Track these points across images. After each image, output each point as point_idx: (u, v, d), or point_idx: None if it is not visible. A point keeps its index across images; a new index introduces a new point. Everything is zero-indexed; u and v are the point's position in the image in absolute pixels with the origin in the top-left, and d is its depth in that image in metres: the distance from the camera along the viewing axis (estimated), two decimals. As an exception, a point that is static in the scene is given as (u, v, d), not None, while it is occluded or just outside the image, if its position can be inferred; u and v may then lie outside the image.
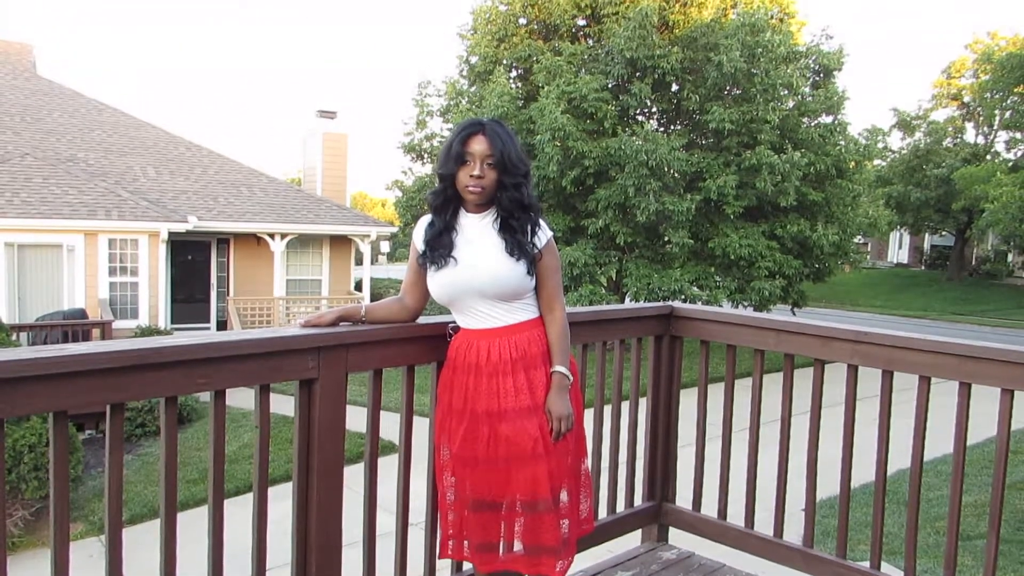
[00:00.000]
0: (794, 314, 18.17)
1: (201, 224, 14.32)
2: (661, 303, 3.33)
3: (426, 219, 2.34)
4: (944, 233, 34.82)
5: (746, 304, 14.75)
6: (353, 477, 2.23)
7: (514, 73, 16.41)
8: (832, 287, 18.25)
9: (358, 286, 17.15)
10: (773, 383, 3.07)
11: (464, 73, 17.03)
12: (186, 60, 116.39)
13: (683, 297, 13.98)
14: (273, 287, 15.68)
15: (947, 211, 29.65)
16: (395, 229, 17.55)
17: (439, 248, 2.25)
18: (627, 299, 16.21)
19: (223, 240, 16.25)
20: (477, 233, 2.26)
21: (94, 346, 1.71)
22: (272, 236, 15.45)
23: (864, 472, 2.93)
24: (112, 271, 13.23)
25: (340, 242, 16.79)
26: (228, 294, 16.03)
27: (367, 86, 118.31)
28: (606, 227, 13.77)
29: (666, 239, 13.96)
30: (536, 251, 2.24)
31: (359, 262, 16.99)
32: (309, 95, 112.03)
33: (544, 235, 2.27)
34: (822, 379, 2.86)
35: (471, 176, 2.18)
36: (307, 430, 2.12)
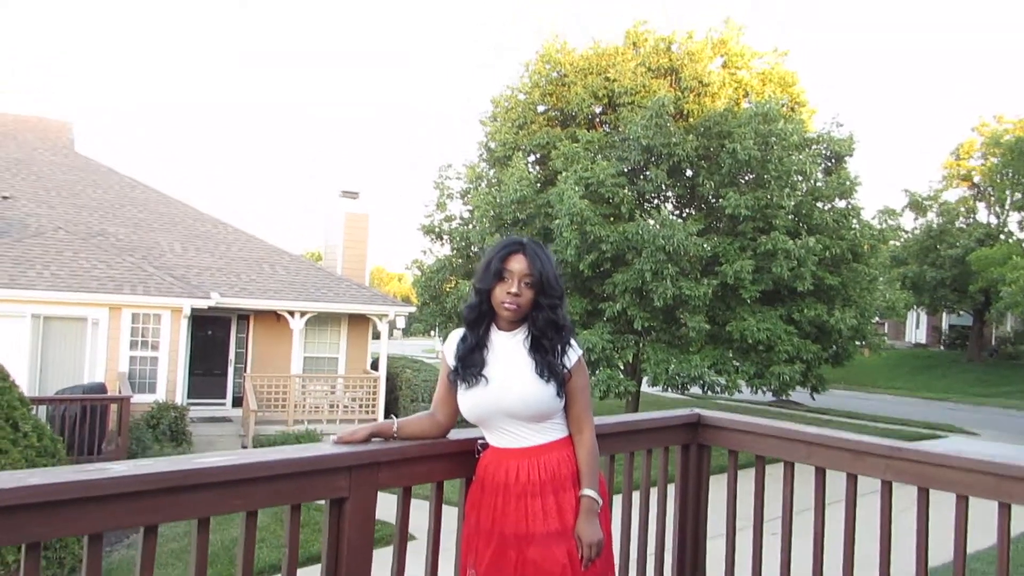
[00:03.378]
0: (813, 399, 17.91)
1: (223, 300, 14.49)
2: (687, 411, 3.30)
3: (458, 333, 2.37)
4: (962, 313, 34.54)
5: (765, 389, 14.58)
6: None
7: (532, 158, 16.77)
8: (852, 369, 18.05)
9: (374, 364, 17.14)
10: (804, 483, 3.00)
11: (484, 157, 17.43)
12: (212, 136, 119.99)
13: (702, 383, 13.84)
14: (291, 364, 15.71)
15: (964, 291, 29.52)
16: (413, 309, 17.64)
17: (470, 366, 2.27)
18: (644, 383, 16.09)
19: (243, 316, 16.40)
20: (508, 351, 2.28)
21: (133, 468, 1.73)
22: (292, 314, 15.58)
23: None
24: (133, 345, 13.34)
25: (358, 320, 16.89)
26: (246, 370, 16.06)
27: (387, 163, 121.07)
28: (623, 311, 13.78)
29: (683, 323, 13.94)
30: (566, 371, 2.26)
31: (376, 337, 17.05)
32: (330, 169, 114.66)
33: (574, 354, 2.29)
34: (855, 494, 2.81)
35: (508, 293, 2.22)
36: (335, 549, 2.11)
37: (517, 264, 2.23)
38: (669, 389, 14.42)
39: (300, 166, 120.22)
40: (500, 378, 2.24)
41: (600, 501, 2.25)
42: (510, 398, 2.21)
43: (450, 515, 2.39)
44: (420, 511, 2.33)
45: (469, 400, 2.26)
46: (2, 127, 19.31)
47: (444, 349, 2.39)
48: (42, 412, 9.98)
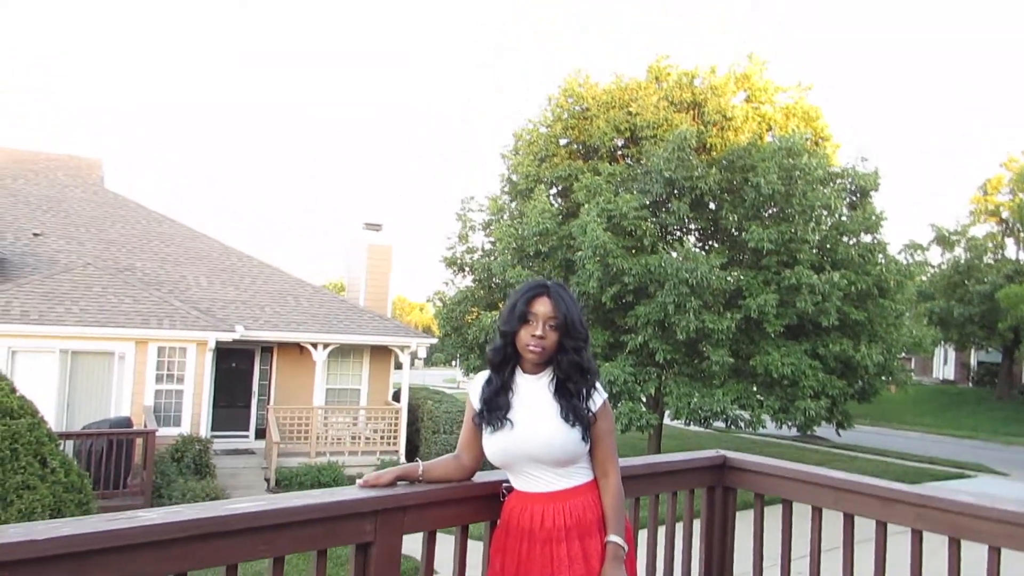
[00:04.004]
0: (839, 435, 17.62)
1: (247, 333, 14.62)
2: (713, 453, 3.27)
3: (483, 376, 2.38)
4: (991, 349, 33.91)
5: (790, 424, 14.38)
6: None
7: (554, 191, 16.87)
8: (878, 404, 17.76)
9: (396, 395, 17.16)
10: (830, 523, 2.95)
11: (506, 190, 17.57)
12: (234, 168, 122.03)
13: (725, 417, 13.69)
14: (313, 396, 15.77)
15: (992, 327, 29.00)
16: (435, 340, 17.69)
17: (495, 409, 2.27)
18: (667, 416, 15.94)
19: (267, 348, 16.52)
20: (533, 395, 2.29)
21: (163, 515, 1.75)
22: (315, 345, 15.67)
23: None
24: (159, 378, 13.47)
25: (380, 352, 16.95)
26: (269, 402, 16.14)
27: (408, 192, 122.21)
28: (645, 343, 13.71)
29: (706, 356, 13.83)
30: (591, 415, 2.26)
31: (398, 367, 17.08)
32: (351, 198, 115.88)
33: (599, 398, 2.29)
34: (884, 542, 2.76)
35: (533, 336, 2.23)
36: (361, 595, 2.11)
37: (542, 307, 2.24)
38: (691, 423, 14.27)
39: (319, 189, 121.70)
40: (525, 422, 2.24)
41: (626, 548, 2.23)
42: (535, 443, 2.21)
43: (474, 552, 2.38)
44: (444, 546, 2.32)
45: (494, 444, 2.26)
46: (35, 166, 19.80)
47: (469, 391, 2.41)
48: (69, 447, 10.09)
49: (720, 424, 14.43)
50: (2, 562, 1.50)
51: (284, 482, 13.73)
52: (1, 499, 7.05)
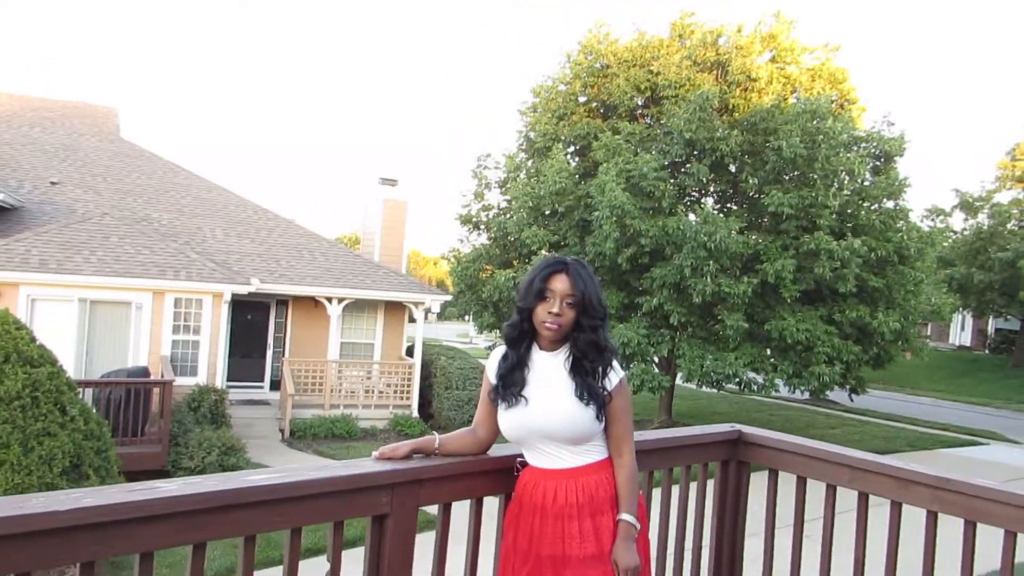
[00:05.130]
0: (852, 400, 17.61)
1: (263, 286, 14.69)
2: (728, 427, 3.27)
3: (500, 351, 2.37)
4: (1009, 317, 33.63)
5: (803, 389, 14.38)
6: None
7: (572, 149, 16.67)
8: (892, 370, 17.70)
9: (409, 351, 17.28)
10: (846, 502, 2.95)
11: (523, 147, 17.37)
12: (250, 122, 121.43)
13: (738, 380, 13.70)
14: (328, 349, 15.90)
15: (1013, 295, 28.71)
16: (449, 297, 17.71)
17: (510, 385, 2.27)
18: (679, 378, 15.98)
19: (282, 301, 16.63)
20: (549, 372, 2.28)
21: (182, 487, 1.76)
22: (329, 300, 15.74)
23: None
24: (176, 329, 13.60)
25: (394, 307, 17.02)
26: (284, 354, 16.31)
27: (425, 148, 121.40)
28: (660, 305, 13.68)
29: (720, 320, 13.80)
30: (606, 394, 2.24)
31: (412, 321, 17.17)
32: (368, 157, 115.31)
33: (616, 376, 2.27)
34: (899, 522, 2.76)
35: (549, 313, 2.21)
36: (376, 566, 2.13)
37: (559, 284, 2.22)
38: (704, 385, 14.30)
39: (336, 143, 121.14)
40: (539, 399, 2.24)
41: (638, 526, 2.24)
42: (549, 420, 2.21)
43: (489, 523, 2.40)
44: (459, 519, 2.34)
45: (509, 420, 2.26)
46: (51, 113, 19.76)
47: (487, 366, 2.40)
48: (88, 395, 10.23)
49: (732, 387, 14.45)
50: (26, 532, 1.51)
51: (298, 433, 13.94)
52: (22, 445, 7.20)
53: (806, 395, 17.49)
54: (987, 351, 37.16)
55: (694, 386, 15.75)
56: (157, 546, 1.71)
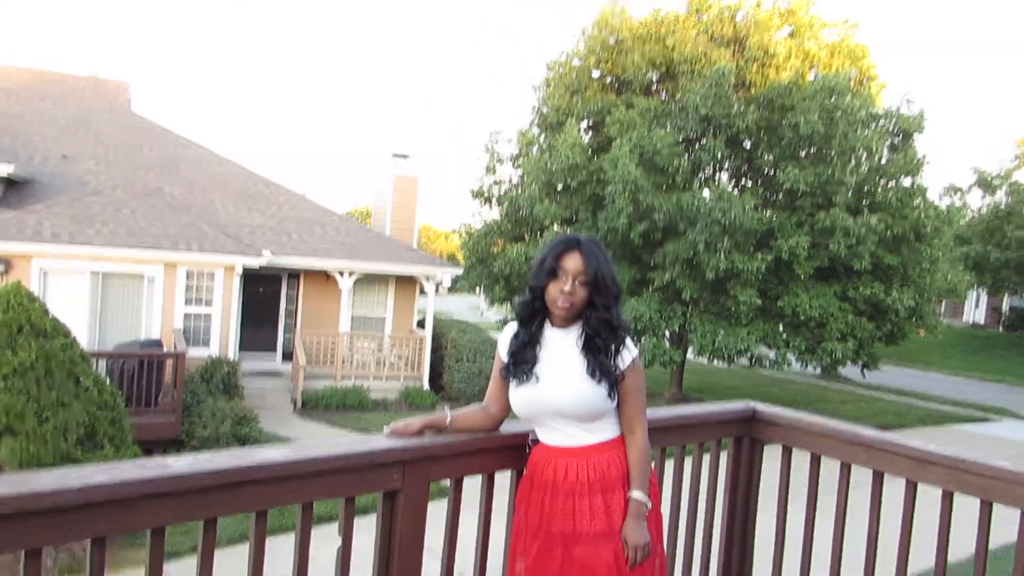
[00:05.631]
0: (863, 376, 17.55)
1: (274, 259, 14.72)
2: (742, 404, 3.24)
3: (511, 328, 2.34)
4: (1024, 295, 33.38)
5: (815, 365, 14.34)
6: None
7: (585, 124, 16.52)
8: (904, 346, 17.60)
9: (420, 323, 17.33)
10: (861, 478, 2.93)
11: (537, 122, 17.23)
12: (260, 94, 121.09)
13: (750, 355, 13.67)
14: (339, 323, 15.96)
15: (1029, 273, 28.49)
16: (460, 271, 17.71)
17: (521, 363, 2.25)
18: (690, 352, 15.97)
19: (294, 275, 16.67)
20: (560, 349, 2.25)
21: (193, 464, 1.75)
22: (341, 273, 15.77)
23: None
24: (188, 301, 13.67)
25: (406, 281, 17.03)
26: (295, 327, 16.38)
27: (436, 120, 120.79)
28: (672, 281, 13.62)
29: (733, 295, 13.74)
30: (619, 372, 2.22)
31: (422, 293, 17.19)
32: (377, 131, 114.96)
33: (629, 355, 2.24)
34: (914, 501, 2.73)
35: (562, 291, 2.18)
36: (388, 541, 2.13)
37: (572, 262, 2.19)
38: (715, 360, 14.28)
39: (347, 117, 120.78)
40: (551, 376, 2.22)
41: (649, 504, 2.22)
42: (559, 397, 2.20)
43: (500, 497, 2.39)
44: (471, 490, 2.33)
45: (520, 397, 2.25)
46: (62, 87, 19.71)
47: (498, 343, 2.38)
48: (102, 366, 10.31)
49: (744, 361, 14.43)
50: (36, 510, 1.51)
51: (310, 404, 14.04)
52: (37, 416, 7.28)
53: (818, 371, 17.44)
54: (1001, 329, 36.91)
55: (705, 361, 15.74)
56: (168, 522, 1.71)
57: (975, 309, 40.78)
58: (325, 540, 2.14)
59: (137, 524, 1.67)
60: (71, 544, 6.47)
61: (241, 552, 1.92)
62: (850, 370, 17.70)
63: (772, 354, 14.12)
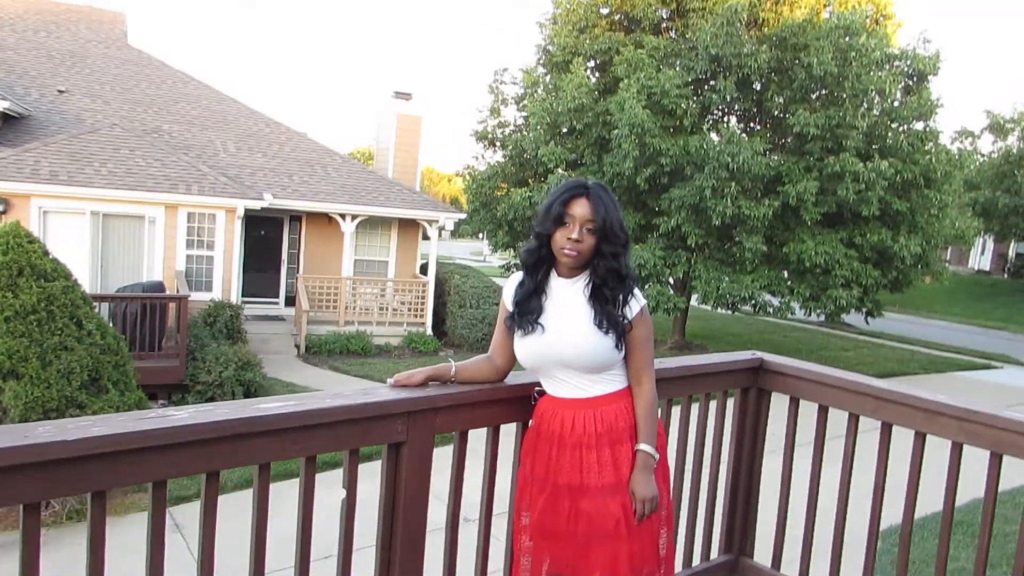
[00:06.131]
0: (867, 323, 17.54)
1: (276, 202, 14.59)
2: (749, 355, 3.20)
3: (516, 277, 2.28)
4: (1032, 241, 33.17)
5: (820, 312, 14.31)
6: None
7: (592, 64, 16.15)
8: (908, 293, 17.56)
9: (423, 268, 17.26)
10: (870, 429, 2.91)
11: (542, 62, 16.83)
12: (258, 34, 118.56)
13: (754, 303, 13.62)
14: (342, 267, 15.90)
15: (1037, 219, 28.25)
16: (463, 215, 17.55)
17: (526, 312, 2.19)
18: (694, 299, 15.93)
19: (295, 217, 16.55)
20: (566, 299, 2.20)
21: (194, 415, 1.71)
22: (343, 216, 15.64)
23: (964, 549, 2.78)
24: (190, 244, 13.60)
25: (408, 225, 16.91)
26: (298, 271, 16.34)
27: (438, 62, 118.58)
28: (677, 227, 13.49)
29: (738, 242, 13.62)
30: (626, 322, 2.16)
31: (425, 238, 17.09)
32: (382, 70, 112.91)
33: (637, 305, 2.19)
34: (922, 452, 2.72)
35: (568, 239, 2.11)
36: (392, 493, 2.11)
37: (579, 209, 2.12)
38: (719, 307, 14.25)
39: (349, 55, 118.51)
40: (556, 327, 2.17)
41: (657, 456, 2.20)
42: (565, 348, 2.15)
43: (506, 445, 2.37)
44: (475, 440, 2.31)
45: (525, 347, 2.20)
46: (56, 17, 19.24)
47: (503, 292, 2.32)
48: (104, 310, 10.29)
49: (747, 309, 14.40)
50: (33, 463, 1.47)
51: (313, 349, 14.10)
52: (40, 359, 7.29)
53: (821, 318, 17.43)
54: (1006, 276, 36.80)
55: (708, 308, 15.71)
56: (169, 475, 1.68)
57: (980, 256, 40.57)
58: (330, 487, 2.12)
59: (136, 477, 1.64)
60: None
61: (245, 499, 1.89)
62: (853, 317, 17.68)
63: (776, 301, 14.08)
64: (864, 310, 15.01)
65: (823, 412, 3.02)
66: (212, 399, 10.55)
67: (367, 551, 2.08)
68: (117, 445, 1.56)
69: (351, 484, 2.04)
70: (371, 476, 2.10)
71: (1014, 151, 29.83)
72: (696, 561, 3.14)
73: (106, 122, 15.13)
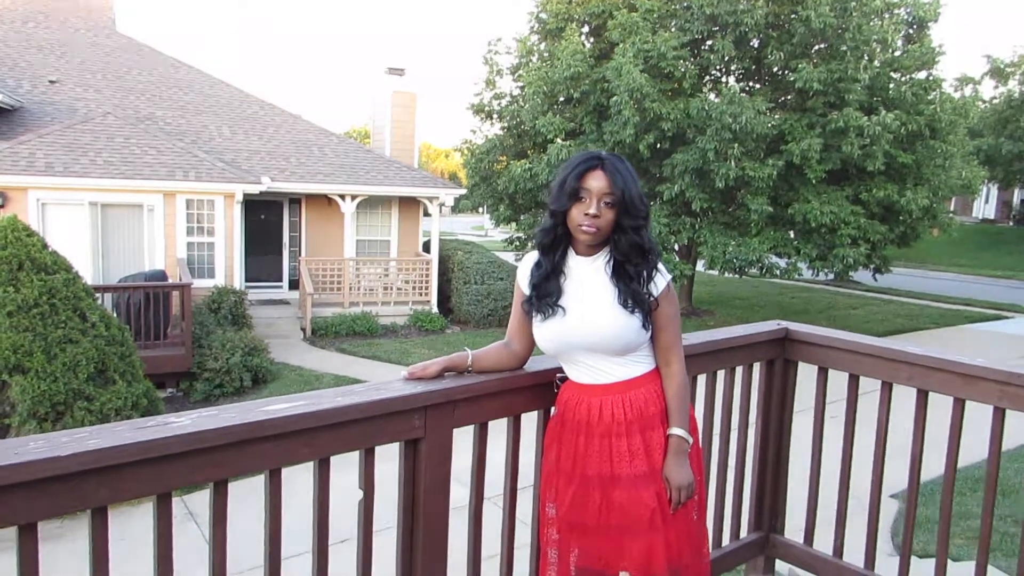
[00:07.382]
0: (875, 280, 17.39)
1: (274, 185, 14.42)
2: (774, 325, 3.08)
3: (532, 258, 2.15)
4: (1036, 188, 32.85)
5: (827, 271, 14.16)
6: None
7: (586, 29, 15.83)
8: (914, 247, 17.38)
9: (426, 246, 17.11)
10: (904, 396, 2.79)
11: (535, 29, 16.50)
12: (245, 15, 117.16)
13: (761, 266, 13.47)
14: (344, 248, 15.76)
15: (1042, 165, 27.92)
16: (463, 191, 17.34)
17: (545, 295, 2.06)
18: (700, 265, 15.78)
19: (295, 200, 16.38)
20: (587, 279, 2.06)
21: (198, 422, 1.60)
22: (343, 197, 15.47)
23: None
24: (190, 231, 13.46)
25: (409, 203, 16.73)
26: (300, 253, 16.21)
27: (432, 38, 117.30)
28: (681, 192, 13.30)
29: (743, 204, 13.43)
30: (652, 300, 2.04)
31: (427, 215, 16.92)
32: (374, 47, 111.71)
33: (662, 280, 2.06)
34: (962, 419, 2.60)
35: (586, 215, 1.98)
36: (411, 490, 2.00)
37: (596, 182, 1.98)
38: (726, 272, 14.11)
39: (342, 41, 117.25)
40: (579, 309, 2.04)
41: (690, 440, 2.08)
42: (590, 331, 2.02)
43: (528, 433, 2.26)
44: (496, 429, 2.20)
45: (545, 332, 2.07)
46: (43, 6, 18.92)
47: (518, 274, 2.19)
48: (107, 301, 10.19)
49: (754, 271, 14.25)
50: (26, 481, 1.36)
51: (319, 331, 14.01)
52: (45, 353, 7.20)
53: (829, 277, 17.28)
54: (1011, 223, 36.52)
55: (715, 273, 15.56)
56: (173, 486, 1.57)
57: (985, 205, 40.24)
58: (344, 474, 2.00)
59: (138, 491, 1.53)
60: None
61: (257, 482, 1.78)
62: (860, 274, 17.51)
63: (783, 263, 13.92)
64: (872, 267, 14.85)
65: (854, 381, 2.90)
66: (220, 385, 10.49)
67: (386, 533, 1.97)
68: (115, 458, 1.45)
69: (368, 484, 1.93)
70: (388, 458, 1.98)
71: (1016, 95, 29.40)
72: (726, 540, 3.05)
73: (99, 111, 14.92)
